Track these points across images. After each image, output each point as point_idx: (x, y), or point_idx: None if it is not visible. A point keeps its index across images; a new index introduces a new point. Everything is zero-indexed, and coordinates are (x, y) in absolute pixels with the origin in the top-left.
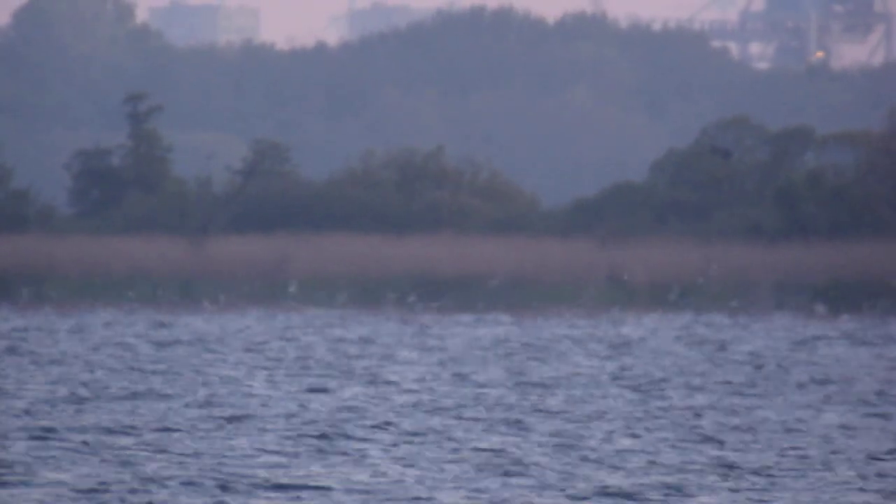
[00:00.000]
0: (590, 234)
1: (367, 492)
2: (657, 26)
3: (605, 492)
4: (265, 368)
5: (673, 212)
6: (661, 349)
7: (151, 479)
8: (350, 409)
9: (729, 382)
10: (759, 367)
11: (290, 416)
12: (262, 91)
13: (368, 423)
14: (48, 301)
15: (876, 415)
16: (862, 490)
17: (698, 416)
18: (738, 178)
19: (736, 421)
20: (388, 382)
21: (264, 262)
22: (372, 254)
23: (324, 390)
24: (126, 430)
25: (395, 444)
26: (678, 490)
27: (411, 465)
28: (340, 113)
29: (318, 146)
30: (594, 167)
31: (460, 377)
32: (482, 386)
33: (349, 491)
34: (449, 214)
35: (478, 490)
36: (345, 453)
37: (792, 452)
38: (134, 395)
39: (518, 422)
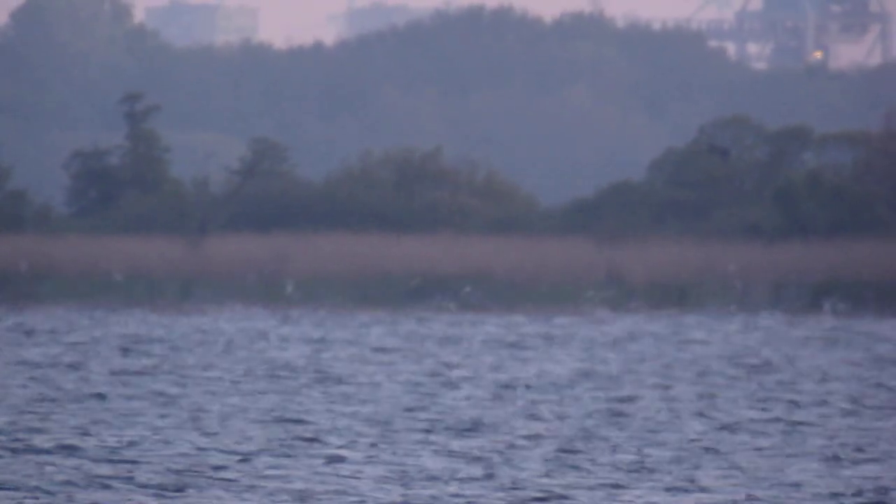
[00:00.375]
0: (588, 233)
1: (320, 493)
2: (655, 26)
3: (551, 492)
4: (239, 370)
5: (671, 211)
6: (644, 349)
7: (103, 480)
8: (315, 410)
9: (702, 383)
10: (738, 367)
11: (251, 416)
12: (261, 91)
13: (328, 424)
14: (45, 300)
15: (845, 415)
16: (814, 490)
17: (660, 417)
18: (737, 178)
19: (696, 422)
20: (359, 384)
21: (262, 262)
22: (370, 253)
23: (293, 392)
24: (84, 431)
25: (351, 445)
26: (620, 490)
27: (369, 465)
28: (339, 112)
29: (317, 146)
30: (593, 167)
31: (432, 376)
32: (452, 386)
33: (303, 493)
34: (447, 214)
35: (426, 489)
36: (304, 455)
37: (749, 452)
38: (97, 396)
39: (478, 421)
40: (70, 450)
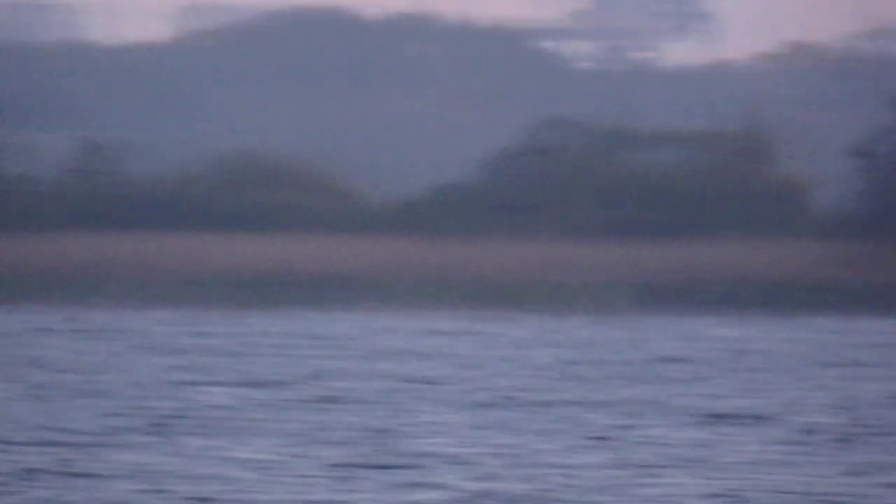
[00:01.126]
0: (420, 233)
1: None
2: (482, 24)
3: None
4: None
5: (499, 212)
6: (442, 349)
7: None
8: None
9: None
10: (525, 367)
11: None
12: (93, 89)
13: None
14: None
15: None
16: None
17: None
18: (563, 178)
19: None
20: (92, 380)
21: (88, 262)
22: (198, 254)
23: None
24: None
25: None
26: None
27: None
28: (170, 112)
29: (151, 145)
30: (426, 166)
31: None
32: (189, 385)
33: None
34: (278, 213)
35: (184, 485)
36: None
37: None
38: None
39: (164, 423)
40: None
